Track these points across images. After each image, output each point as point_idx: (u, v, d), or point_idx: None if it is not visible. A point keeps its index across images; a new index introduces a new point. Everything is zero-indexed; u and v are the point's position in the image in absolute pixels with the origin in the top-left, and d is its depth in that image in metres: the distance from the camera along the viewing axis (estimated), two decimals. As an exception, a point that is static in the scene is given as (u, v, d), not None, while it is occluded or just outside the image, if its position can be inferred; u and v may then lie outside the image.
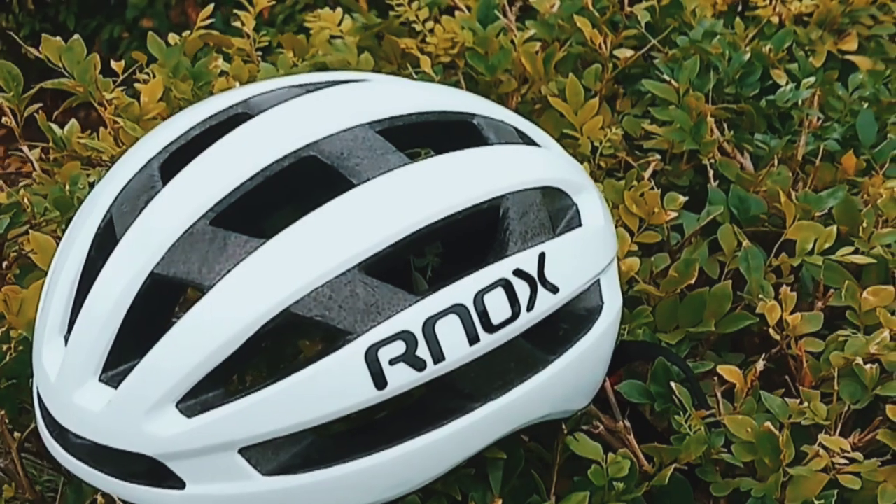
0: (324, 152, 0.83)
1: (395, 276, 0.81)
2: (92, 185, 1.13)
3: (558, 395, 0.89)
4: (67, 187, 1.12)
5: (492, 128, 0.92)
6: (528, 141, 0.94)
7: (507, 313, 0.82)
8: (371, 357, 0.78)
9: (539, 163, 0.91)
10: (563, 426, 0.94)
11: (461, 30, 1.40)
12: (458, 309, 0.80)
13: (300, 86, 0.92)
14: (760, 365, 0.97)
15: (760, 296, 1.05)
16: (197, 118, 0.89)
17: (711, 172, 1.26)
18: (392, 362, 0.79)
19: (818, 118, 1.39)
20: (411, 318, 0.79)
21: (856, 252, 1.11)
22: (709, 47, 1.40)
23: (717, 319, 1.06)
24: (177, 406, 0.80)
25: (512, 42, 1.39)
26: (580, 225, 0.91)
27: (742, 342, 1.19)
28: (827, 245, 1.11)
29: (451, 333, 0.80)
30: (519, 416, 0.86)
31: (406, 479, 0.84)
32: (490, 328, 0.81)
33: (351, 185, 0.82)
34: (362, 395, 0.79)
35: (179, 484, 0.81)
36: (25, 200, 1.08)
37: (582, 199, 0.93)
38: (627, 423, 0.94)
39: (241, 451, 0.80)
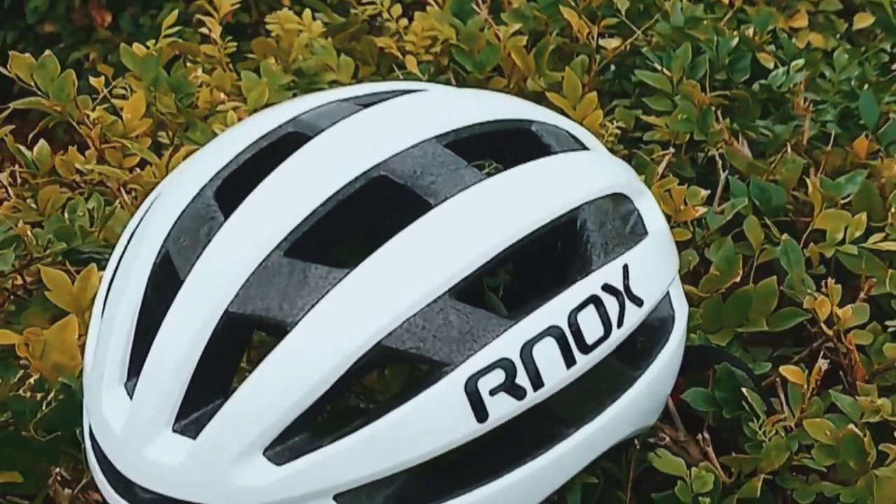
0: (395, 171, 0.78)
1: (470, 299, 0.76)
2: (91, 213, 1.06)
3: (643, 411, 0.85)
4: (66, 216, 1.05)
5: (551, 134, 0.87)
6: (582, 145, 0.90)
7: (600, 331, 0.78)
8: (471, 388, 0.74)
9: (604, 168, 0.87)
10: (636, 442, 0.90)
11: (442, 26, 1.35)
12: (553, 331, 0.76)
13: (348, 100, 0.87)
14: (824, 364, 0.94)
15: (809, 290, 1.02)
16: (245, 140, 0.83)
17: (720, 163, 1.23)
18: (492, 392, 0.74)
19: (806, 100, 1.36)
20: (508, 343, 0.75)
21: (887, 239, 1.08)
22: (695, 33, 1.37)
23: (766, 317, 1.03)
24: (264, 454, 0.74)
25: (496, 37, 1.34)
26: (646, 231, 0.87)
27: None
28: (857, 233, 1.09)
29: (548, 357, 0.76)
30: (610, 437, 0.82)
31: None
32: (585, 348, 0.77)
33: (428, 205, 0.77)
34: (463, 429, 0.74)
35: None
36: (29, 234, 1.00)
37: (642, 203, 0.89)
38: (706, 435, 0.90)
39: (336, 497, 0.75)
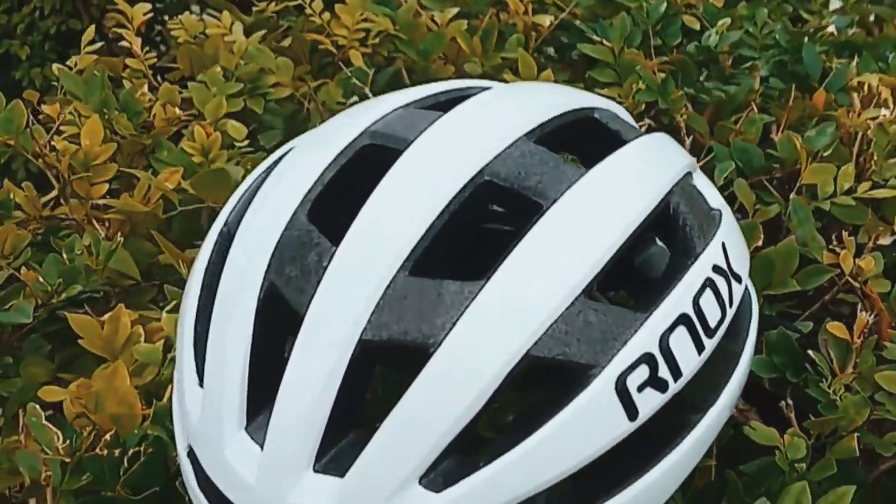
0: (499, 175, 0.76)
1: None
2: (89, 249, 0.99)
3: (742, 386, 0.85)
4: (65, 255, 0.98)
5: (614, 120, 0.86)
6: (635, 128, 0.89)
7: (719, 313, 0.78)
8: (621, 387, 0.72)
9: (672, 148, 0.87)
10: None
11: (377, 17, 1.32)
12: (683, 319, 0.75)
13: (409, 105, 0.84)
14: (869, 318, 0.96)
15: (827, 246, 1.04)
16: (323, 158, 0.79)
17: (684, 129, 1.23)
18: (640, 388, 0.73)
19: (729, 56, 1.38)
20: (647, 338, 0.73)
21: (876, 187, 1.11)
22: (623, 1, 1.37)
23: (790, 277, 1.03)
24: (420, 483, 0.71)
25: (435, 23, 1.31)
26: (712, 207, 0.86)
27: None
28: (847, 185, 1.11)
29: (682, 346, 0.75)
30: (725, 417, 0.82)
31: None
32: (709, 332, 0.77)
33: (539, 206, 0.74)
34: (617, 430, 0.73)
35: None
36: (40, 279, 0.94)
37: (697, 179, 0.89)
38: (790, 401, 0.90)
39: None
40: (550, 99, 0.85)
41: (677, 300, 0.75)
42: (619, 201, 0.77)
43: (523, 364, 0.71)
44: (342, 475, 0.71)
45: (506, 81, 1.21)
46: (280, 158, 0.86)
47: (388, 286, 0.71)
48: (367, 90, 1.25)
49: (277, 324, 0.74)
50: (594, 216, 0.75)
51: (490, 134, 0.78)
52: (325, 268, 0.73)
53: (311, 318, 0.72)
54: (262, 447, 0.73)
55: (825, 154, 1.15)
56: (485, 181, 0.76)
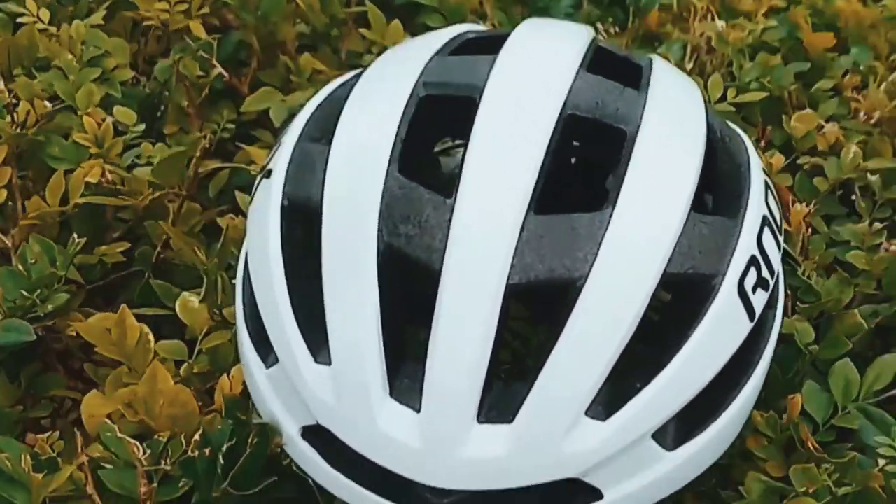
0: (580, 107, 0.77)
1: None
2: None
3: None
4: (20, 267, 0.90)
5: (613, 45, 0.89)
6: None
7: (778, 210, 0.83)
8: (741, 290, 0.75)
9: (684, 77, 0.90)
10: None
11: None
12: (766, 221, 0.79)
13: (439, 52, 0.83)
14: (809, 208, 1.02)
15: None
16: (390, 116, 0.77)
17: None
18: (753, 289, 0.76)
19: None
20: (748, 241, 0.77)
21: (742, 92, 1.18)
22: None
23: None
24: (587, 414, 0.71)
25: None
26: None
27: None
28: (717, 94, 1.17)
29: (771, 245, 0.79)
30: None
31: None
32: (779, 229, 0.83)
33: (624, 133, 0.76)
34: (742, 332, 0.76)
35: (594, 496, 0.73)
36: (22, 293, 0.86)
37: None
38: (788, 291, 0.96)
39: (654, 436, 0.74)
40: (571, 31, 0.86)
41: (757, 204, 0.79)
42: (688, 116, 0.80)
43: (663, 283, 0.72)
44: (510, 421, 0.71)
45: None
46: (309, 123, 0.83)
47: (522, 229, 0.71)
48: (214, 61, 1.21)
49: (403, 285, 0.72)
50: (678, 133, 0.78)
51: (553, 70, 0.79)
52: (449, 221, 0.71)
53: (449, 273, 0.70)
54: (417, 410, 0.71)
55: (688, 67, 1.21)
56: (568, 115, 0.76)
